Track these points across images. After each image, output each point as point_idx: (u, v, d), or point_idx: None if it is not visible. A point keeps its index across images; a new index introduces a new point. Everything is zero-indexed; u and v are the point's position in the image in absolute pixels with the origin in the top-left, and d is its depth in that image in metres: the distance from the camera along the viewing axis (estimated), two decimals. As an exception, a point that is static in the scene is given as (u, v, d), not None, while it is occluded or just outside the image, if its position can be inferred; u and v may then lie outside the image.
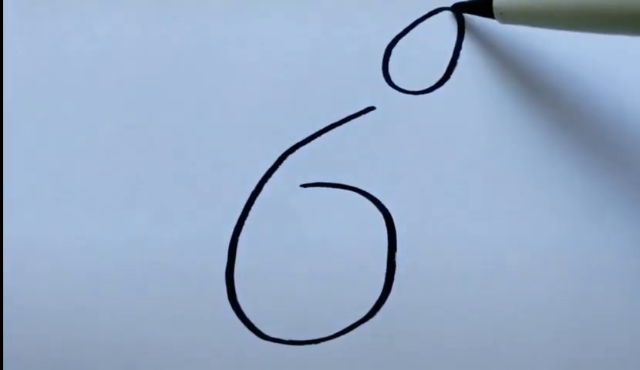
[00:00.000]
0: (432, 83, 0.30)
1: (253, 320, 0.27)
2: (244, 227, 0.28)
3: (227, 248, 0.28)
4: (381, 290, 0.27)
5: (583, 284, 0.27)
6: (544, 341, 0.27)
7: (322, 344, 0.27)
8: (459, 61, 0.30)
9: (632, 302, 0.27)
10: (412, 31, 0.31)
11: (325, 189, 0.29)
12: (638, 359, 0.26)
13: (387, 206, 0.28)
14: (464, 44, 0.31)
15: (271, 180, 0.29)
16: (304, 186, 0.29)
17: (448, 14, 0.31)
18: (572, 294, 0.27)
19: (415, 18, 0.31)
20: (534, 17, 0.26)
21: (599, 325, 0.27)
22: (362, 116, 0.30)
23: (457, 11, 0.30)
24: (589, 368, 0.26)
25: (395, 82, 0.30)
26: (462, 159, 0.29)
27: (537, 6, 0.25)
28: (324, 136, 0.30)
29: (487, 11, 0.28)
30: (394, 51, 0.31)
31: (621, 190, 0.28)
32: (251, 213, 0.28)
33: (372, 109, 0.30)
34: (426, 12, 0.31)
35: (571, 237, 0.28)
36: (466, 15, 0.30)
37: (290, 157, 0.29)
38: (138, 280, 0.28)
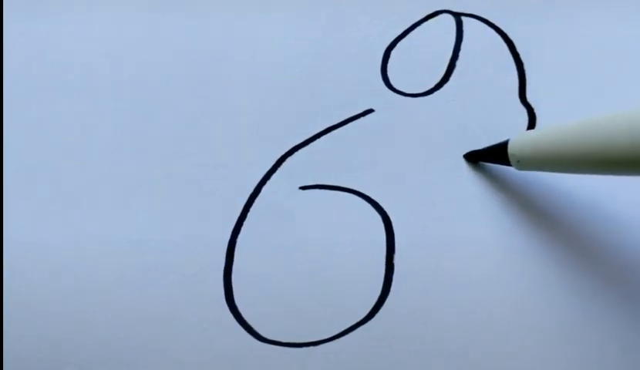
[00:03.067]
0: (431, 86, 0.30)
1: (251, 322, 0.27)
2: (243, 229, 0.28)
3: (226, 250, 0.28)
4: (379, 292, 0.27)
5: (584, 284, 0.27)
6: (543, 342, 0.27)
7: (321, 346, 0.27)
8: (458, 63, 0.30)
9: (632, 302, 0.27)
10: (410, 34, 0.31)
11: (323, 191, 0.29)
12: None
13: (385, 208, 0.28)
14: (462, 47, 0.31)
15: (269, 182, 0.29)
16: (303, 188, 0.29)
17: (446, 17, 0.31)
18: (573, 295, 0.27)
19: (414, 21, 0.31)
20: (551, 166, 0.25)
21: (599, 325, 0.27)
22: (361, 119, 0.30)
23: (471, 161, 0.29)
24: (588, 368, 0.26)
25: (394, 85, 0.30)
26: (460, 162, 0.29)
27: (552, 154, 0.25)
28: (323, 138, 0.30)
29: (503, 158, 0.27)
30: (393, 53, 0.31)
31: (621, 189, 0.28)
32: (250, 215, 0.28)
33: (370, 111, 0.30)
34: (424, 15, 0.31)
35: (572, 238, 0.28)
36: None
37: (289, 159, 0.29)
38: (137, 282, 0.28)
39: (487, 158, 0.28)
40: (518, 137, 0.26)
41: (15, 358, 0.27)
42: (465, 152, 0.29)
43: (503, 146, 0.27)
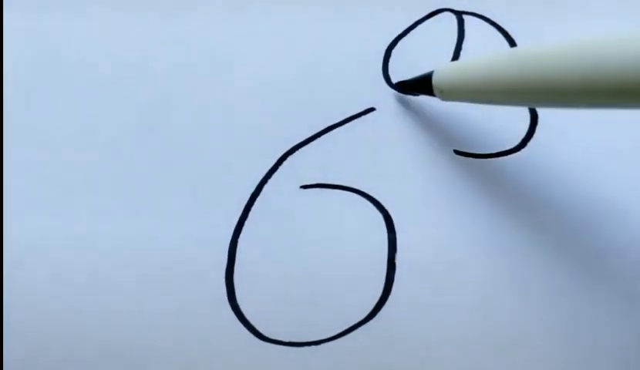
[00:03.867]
0: (433, 84, 0.30)
1: (253, 321, 0.27)
2: (244, 228, 0.28)
3: (227, 249, 0.28)
4: (381, 292, 0.27)
5: (584, 285, 0.27)
6: (544, 342, 0.27)
7: (322, 345, 0.27)
8: (459, 62, 0.30)
9: (631, 302, 0.27)
10: (412, 33, 0.31)
11: (325, 190, 0.29)
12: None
13: (387, 207, 0.28)
14: (464, 45, 0.31)
15: (271, 181, 0.29)
16: (305, 187, 0.29)
17: (448, 15, 0.31)
18: (574, 296, 0.27)
19: (415, 20, 0.31)
20: (474, 95, 0.26)
21: (600, 326, 0.27)
22: (362, 117, 0.30)
23: (400, 90, 0.30)
24: (589, 368, 0.26)
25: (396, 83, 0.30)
26: (462, 161, 0.29)
27: (475, 84, 0.25)
28: (324, 137, 0.30)
29: (428, 89, 0.27)
30: (394, 52, 0.31)
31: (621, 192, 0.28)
32: (251, 214, 0.28)
33: (372, 110, 0.30)
34: (426, 14, 0.31)
35: (573, 237, 0.28)
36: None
37: (290, 158, 0.29)
38: (138, 282, 0.28)
39: (414, 88, 0.29)
40: (443, 67, 0.27)
41: (15, 358, 0.27)
42: (466, 151, 0.29)
43: (429, 75, 0.27)
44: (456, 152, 0.29)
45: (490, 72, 0.24)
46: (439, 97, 0.27)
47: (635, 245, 0.27)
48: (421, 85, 0.28)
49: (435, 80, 0.27)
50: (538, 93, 0.23)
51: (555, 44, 0.22)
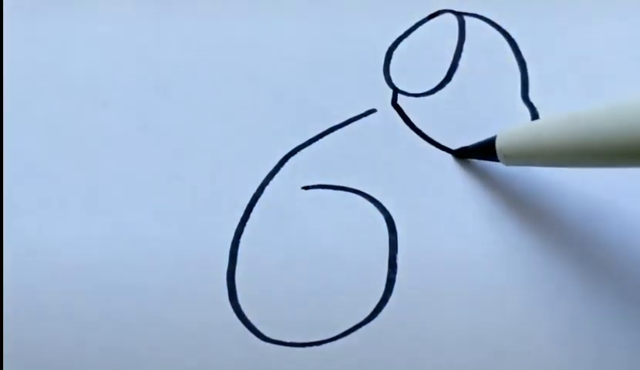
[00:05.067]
0: (434, 85, 0.30)
1: (254, 322, 0.27)
2: (246, 229, 0.28)
3: (229, 250, 0.28)
4: (382, 292, 0.27)
5: (585, 285, 0.27)
6: (544, 343, 0.27)
7: (324, 346, 0.27)
8: (460, 63, 0.30)
9: (632, 302, 0.27)
10: (413, 34, 0.31)
11: (326, 191, 0.29)
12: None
13: (388, 208, 0.28)
14: (465, 46, 0.31)
15: (272, 182, 0.29)
16: (306, 188, 0.29)
17: (449, 16, 0.31)
18: (574, 296, 0.27)
19: (416, 21, 0.31)
20: (538, 159, 0.25)
21: (600, 326, 0.27)
22: (364, 118, 0.30)
23: (460, 157, 0.29)
24: (589, 368, 0.26)
25: (397, 85, 0.30)
26: (462, 161, 0.29)
27: (540, 149, 0.24)
28: (325, 138, 0.30)
29: (491, 154, 0.27)
30: (395, 53, 0.31)
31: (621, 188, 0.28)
32: (253, 215, 0.28)
33: (373, 111, 0.30)
34: (427, 15, 0.31)
35: (573, 238, 0.28)
36: None
37: (292, 159, 0.29)
38: (139, 282, 0.28)
39: (476, 154, 0.28)
40: (505, 131, 0.26)
41: (15, 358, 0.27)
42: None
43: (491, 141, 0.27)
44: (457, 153, 0.29)
45: (556, 136, 0.23)
46: (503, 162, 0.26)
47: (635, 245, 0.27)
48: (484, 150, 0.27)
49: (499, 145, 0.26)
50: (606, 156, 0.22)
51: (612, 105, 0.22)
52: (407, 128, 0.30)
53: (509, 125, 0.27)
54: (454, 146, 0.29)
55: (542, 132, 0.24)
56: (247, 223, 0.28)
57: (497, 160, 0.27)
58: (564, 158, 0.24)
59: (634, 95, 0.22)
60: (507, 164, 0.27)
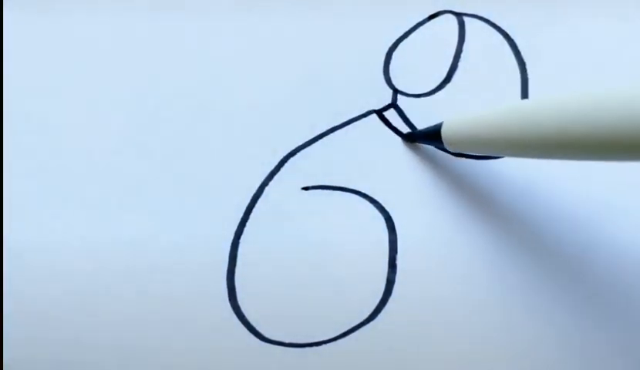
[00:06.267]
0: (434, 86, 0.30)
1: (254, 323, 0.27)
2: (246, 230, 0.28)
3: (229, 251, 0.28)
4: (382, 293, 0.27)
5: (585, 285, 0.27)
6: (544, 343, 0.27)
7: (324, 346, 0.27)
8: (460, 64, 0.30)
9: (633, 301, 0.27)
10: (413, 35, 0.31)
11: (326, 192, 0.29)
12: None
13: (388, 209, 0.28)
14: (465, 47, 0.31)
15: (272, 183, 0.29)
16: (306, 189, 0.29)
17: (449, 17, 0.31)
18: (575, 296, 0.27)
19: (416, 22, 0.31)
20: (482, 149, 0.26)
21: (600, 326, 0.27)
22: (363, 119, 0.30)
23: (408, 140, 0.29)
24: (591, 367, 0.26)
25: (397, 85, 0.30)
26: (462, 162, 0.29)
27: (483, 139, 0.25)
28: (325, 138, 0.30)
29: (438, 141, 0.27)
30: (395, 54, 0.31)
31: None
32: (253, 215, 0.28)
33: (373, 112, 0.30)
34: (426, 16, 0.31)
35: (574, 237, 0.28)
36: None
37: (291, 160, 0.29)
38: (139, 283, 0.28)
39: (423, 139, 0.29)
40: (451, 120, 0.27)
41: (15, 358, 0.27)
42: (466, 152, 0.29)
43: (438, 128, 0.27)
44: (457, 153, 0.29)
45: (497, 127, 0.24)
46: (449, 148, 0.27)
47: (635, 245, 0.27)
48: (430, 136, 0.28)
49: (444, 133, 0.27)
50: (542, 148, 0.23)
51: (558, 97, 0.22)
52: (407, 129, 0.30)
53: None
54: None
55: (485, 121, 0.25)
56: (247, 224, 0.28)
57: (442, 144, 0.27)
58: (498, 146, 0.25)
59: (563, 92, 0.22)
60: (453, 150, 0.27)
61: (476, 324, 0.27)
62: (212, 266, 0.28)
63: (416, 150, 0.29)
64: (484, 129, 0.25)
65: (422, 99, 0.30)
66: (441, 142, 0.27)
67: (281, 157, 0.29)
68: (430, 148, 0.29)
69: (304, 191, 0.29)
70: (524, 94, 0.30)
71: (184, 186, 0.29)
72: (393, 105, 0.30)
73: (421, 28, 0.31)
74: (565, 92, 0.22)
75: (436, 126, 0.27)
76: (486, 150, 0.26)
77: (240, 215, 0.28)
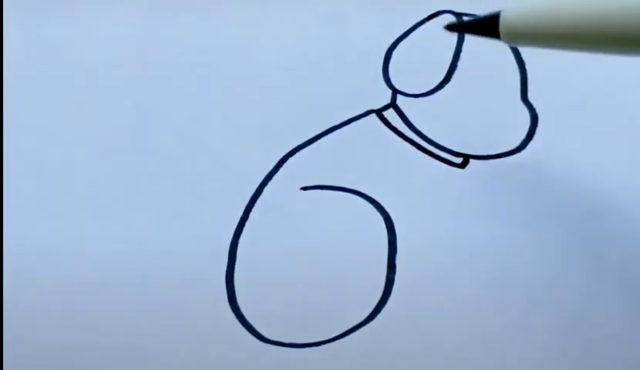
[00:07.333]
0: (433, 86, 0.30)
1: (253, 323, 0.27)
2: (245, 230, 0.28)
3: (228, 251, 0.28)
4: (381, 293, 0.27)
5: (585, 285, 0.27)
6: (544, 343, 0.27)
7: (323, 346, 0.27)
8: (460, 63, 0.30)
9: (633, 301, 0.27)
10: (412, 34, 0.31)
11: (325, 192, 0.29)
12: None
13: (388, 209, 0.28)
14: (464, 46, 0.31)
15: (271, 183, 0.29)
16: (305, 188, 0.29)
17: (448, 17, 0.31)
18: (575, 296, 0.27)
19: (415, 21, 0.31)
20: (552, 40, 0.23)
21: (601, 327, 0.27)
22: (363, 119, 0.30)
23: (454, 31, 0.27)
24: (591, 368, 0.26)
25: (396, 85, 0.30)
26: (463, 162, 0.29)
27: (554, 27, 0.23)
28: (324, 138, 0.30)
29: (492, 31, 0.24)
30: (394, 53, 0.31)
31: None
32: (252, 215, 0.28)
33: (372, 112, 0.30)
34: (426, 15, 0.31)
35: (573, 237, 0.28)
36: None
37: (290, 160, 0.29)
38: (138, 284, 0.28)
39: (474, 30, 0.26)
40: (513, 7, 0.24)
41: (15, 358, 0.27)
42: (467, 152, 0.29)
43: (495, 15, 0.24)
44: (456, 153, 0.29)
45: (577, 14, 0.22)
46: (504, 40, 0.24)
47: (635, 244, 0.27)
48: (483, 25, 0.25)
49: (504, 22, 0.24)
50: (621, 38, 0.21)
51: None
52: (406, 129, 0.30)
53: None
54: (454, 147, 0.29)
55: (552, 9, 0.23)
56: (246, 224, 0.28)
57: (498, 37, 0.24)
58: (572, 38, 0.22)
59: None
60: (509, 43, 0.25)
61: (476, 324, 0.27)
62: (211, 266, 0.28)
63: (415, 150, 0.29)
64: (561, 17, 0.22)
65: (421, 98, 0.30)
66: (495, 33, 0.24)
67: (280, 157, 0.29)
68: (430, 149, 0.29)
69: (303, 191, 0.29)
70: (524, 94, 0.30)
71: (183, 187, 0.29)
72: (393, 105, 0.30)
73: (421, 28, 0.31)
74: None
75: (492, 14, 0.24)
76: (554, 43, 0.23)
77: (240, 215, 0.28)
